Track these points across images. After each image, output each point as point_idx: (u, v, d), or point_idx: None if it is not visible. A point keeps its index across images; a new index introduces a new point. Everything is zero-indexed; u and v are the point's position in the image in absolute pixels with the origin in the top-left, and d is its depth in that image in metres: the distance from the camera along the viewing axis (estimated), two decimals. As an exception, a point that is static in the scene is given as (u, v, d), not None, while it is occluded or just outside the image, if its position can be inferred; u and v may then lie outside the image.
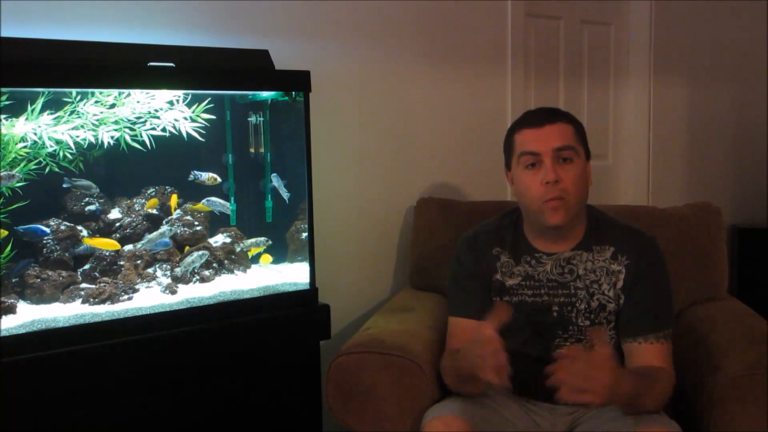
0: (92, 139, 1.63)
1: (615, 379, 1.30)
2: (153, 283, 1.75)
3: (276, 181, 1.88)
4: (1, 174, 1.52)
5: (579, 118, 1.60)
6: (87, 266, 1.72)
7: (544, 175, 1.50)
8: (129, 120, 1.67)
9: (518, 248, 1.63)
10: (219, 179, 1.83)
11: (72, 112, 1.60)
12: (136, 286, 1.71)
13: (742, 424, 1.46)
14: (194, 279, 1.78)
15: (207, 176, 1.82)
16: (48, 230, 1.65)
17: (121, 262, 1.74)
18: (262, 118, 1.91)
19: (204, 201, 1.84)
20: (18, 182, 1.55)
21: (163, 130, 1.70)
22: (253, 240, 1.89)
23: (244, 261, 1.90)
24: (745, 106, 3.40)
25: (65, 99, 1.59)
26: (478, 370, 1.35)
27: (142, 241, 1.76)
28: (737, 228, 3.31)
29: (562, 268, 1.59)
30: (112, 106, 1.64)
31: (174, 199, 1.83)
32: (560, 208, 1.51)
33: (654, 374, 1.47)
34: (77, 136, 1.60)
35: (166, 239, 1.77)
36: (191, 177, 1.82)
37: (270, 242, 1.91)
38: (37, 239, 1.65)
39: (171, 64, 1.63)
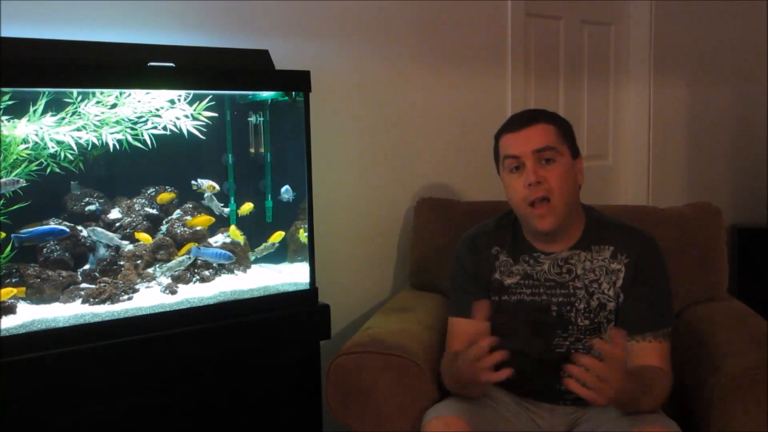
0: (94, 140, 1.63)
1: (623, 384, 1.32)
2: (153, 283, 1.75)
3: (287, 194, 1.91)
4: (5, 180, 1.52)
5: (579, 118, 1.61)
6: (87, 266, 1.72)
7: (527, 178, 1.51)
8: (130, 120, 1.67)
9: (517, 247, 1.64)
10: (217, 187, 1.85)
11: (73, 113, 1.60)
12: (136, 286, 1.71)
13: (742, 424, 1.46)
14: (194, 279, 1.78)
15: (207, 184, 1.85)
16: (67, 230, 1.65)
17: (121, 262, 1.74)
18: (262, 118, 1.91)
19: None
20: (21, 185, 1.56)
21: (164, 128, 1.70)
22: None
23: (244, 261, 1.90)
24: (745, 106, 3.40)
25: (66, 99, 1.59)
26: (477, 373, 1.37)
27: (204, 251, 1.79)
28: (737, 228, 3.31)
29: (560, 267, 1.59)
30: (114, 106, 1.64)
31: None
32: (547, 215, 1.52)
33: (653, 376, 1.47)
34: (79, 138, 1.60)
35: (229, 253, 1.81)
36: (194, 187, 1.84)
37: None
38: (54, 239, 1.65)
39: (171, 64, 1.63)
